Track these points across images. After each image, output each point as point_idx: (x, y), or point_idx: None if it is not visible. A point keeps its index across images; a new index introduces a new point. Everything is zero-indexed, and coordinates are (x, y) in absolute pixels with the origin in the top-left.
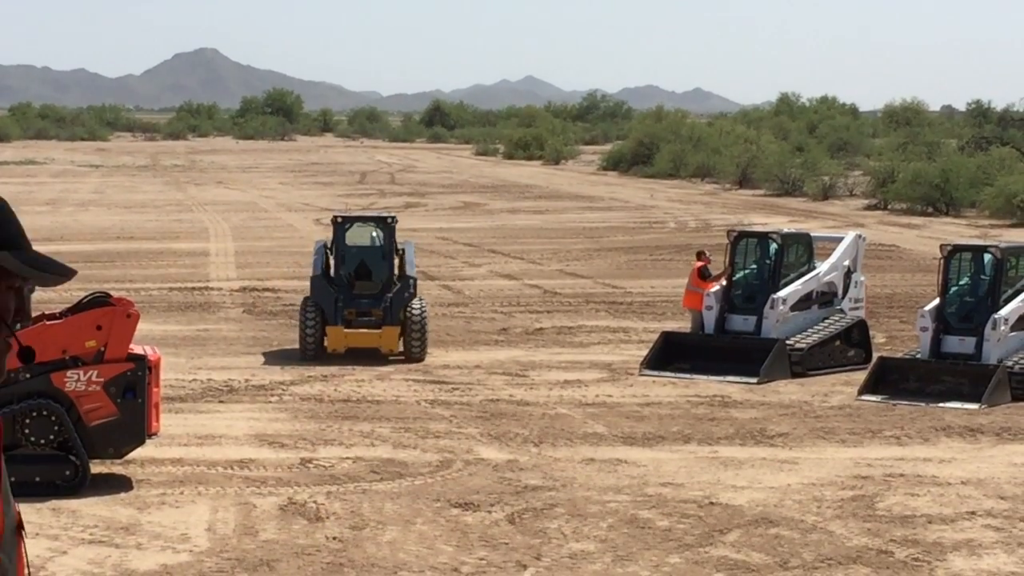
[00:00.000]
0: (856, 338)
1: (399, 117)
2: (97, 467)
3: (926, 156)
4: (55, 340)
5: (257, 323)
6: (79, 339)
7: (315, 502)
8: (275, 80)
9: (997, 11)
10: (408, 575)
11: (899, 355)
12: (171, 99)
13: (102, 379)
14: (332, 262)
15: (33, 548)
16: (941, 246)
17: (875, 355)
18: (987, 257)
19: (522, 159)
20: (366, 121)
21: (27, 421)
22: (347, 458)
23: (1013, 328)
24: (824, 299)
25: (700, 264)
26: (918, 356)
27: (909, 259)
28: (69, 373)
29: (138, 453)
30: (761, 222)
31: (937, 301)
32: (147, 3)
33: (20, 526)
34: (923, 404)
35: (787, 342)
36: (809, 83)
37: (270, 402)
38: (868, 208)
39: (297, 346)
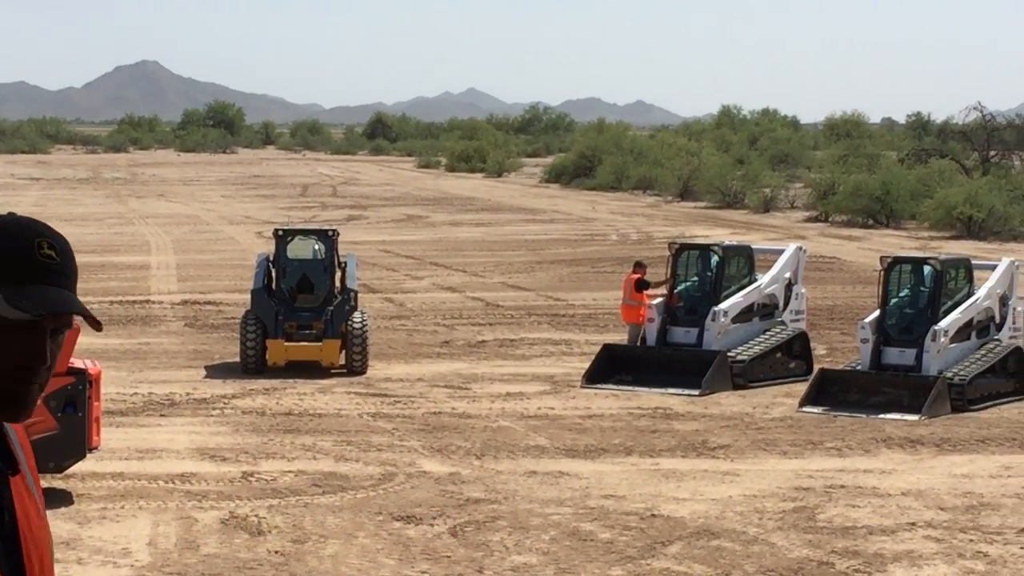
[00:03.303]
0: (797, 350)
1: (341, 129)
2: None
3: (866, 168)
4: None
5: (198, 336)
6: None
7: (257, 516)
8: (217, 93)
9: (936, 24)
10: None
11: (840, 367)
12: (112, 112)
13: (42, 393)
14: (274, 275)
15: None
16: (881, 258)
17: (816, 367)
18: (927, 269)
19: (464, 172)
20: (308, 133)
21: None
22: (289, 472)
23: (953, 340)
24: (765, 311)
25: (637, 276)
26: (858, 368)
27: (849, 271)
28: None
29: (79, 467)
30: (702, 234)
31: (877, 313)
32: (88, 16)
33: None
34: (864, 416)
35: (728, 354)
36: (750, 96)
37: (211, 416)
38: (809, 220)
39: (238, 359)
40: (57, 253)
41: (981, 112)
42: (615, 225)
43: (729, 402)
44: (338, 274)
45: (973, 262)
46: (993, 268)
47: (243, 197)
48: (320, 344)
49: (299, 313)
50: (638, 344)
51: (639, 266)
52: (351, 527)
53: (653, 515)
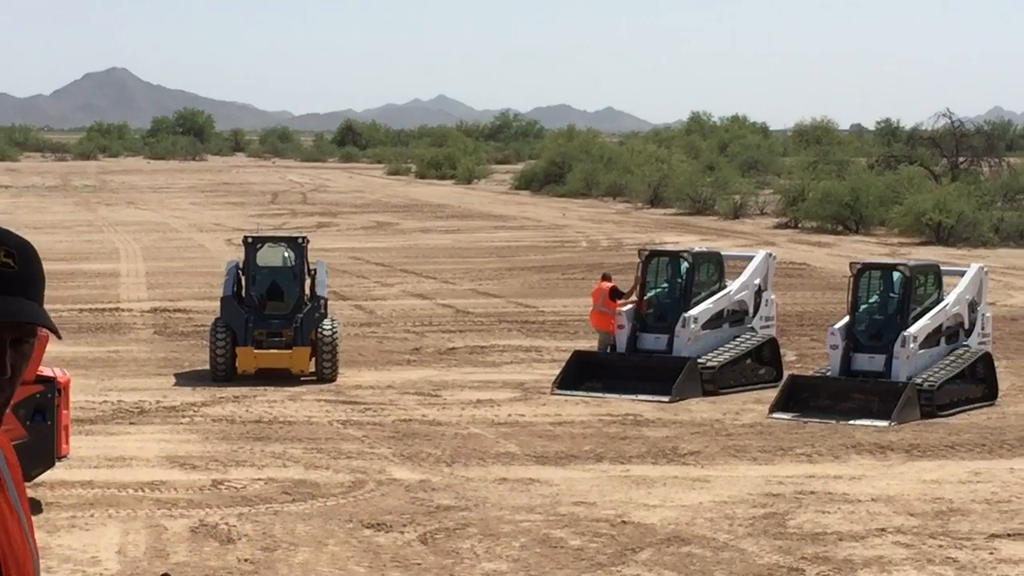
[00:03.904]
0: (767, 356)
1: (311, 137)
2: None
3: (836, 175)
4: None
5: (168, 344)
6: None
7: (227, 524)
8: (186, 100)
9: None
10: None
11: (810, 373)
12: (82, 119)
13: (8, 405)
14: (244, 283)
15: None
16: (851, 264)
17: (786, 373)
18: (896, 275)
19: (434, 178)
20: (278, 141)
21: None
22: (259, 479)
23: (922, 346)
24: (735, 317)
25: (611, 285)
26: (828, 374)
27: (819, 277)
28: None
29: (48, 476)
30: (672, 241)
31: (847, 319)
32: (57, 23)
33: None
34: (833, 421)
35: (699, 360)
36: (720, 102)
37: (181, 423)
38: (779, 226)
39: (208, 367)
40: (15, 260)
41: (950, 119)
42: (585, 232)
43: (699, 408)
44: (308, 281)
45: (942, 268)
46: (962, 274)
47: (213, 204)
48: (290, 351)
49: (269, 320)
50: (608, 351)
51: (608, 277)
52: (321, 535)
53: (623, 522)
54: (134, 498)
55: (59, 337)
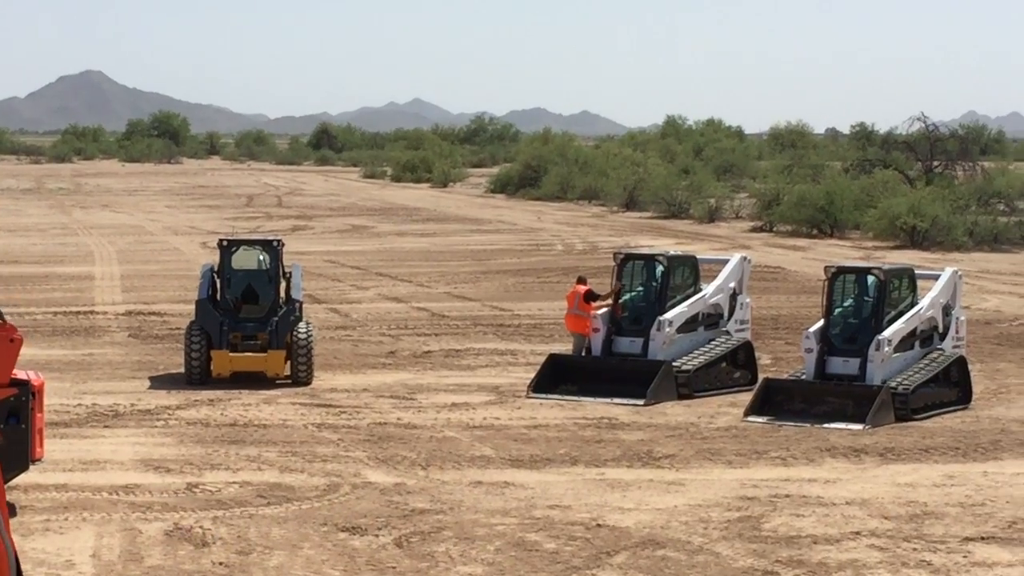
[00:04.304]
0: (742, 359)
1: (286, 140)
2: None
3: (811, 178)
4: None
5: (143, 347)
6: None
7: (201, 527)
8: (161, 103)
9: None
10: None
11: (784, 376)
12: (56, 122)
13: None
14: (219, 286)
15: None
16: (825, 268)
17: (761, 376)
18: (870, 279)
19: (410, 182)
20: (253, 144)
21: None
22: (234, 483)
23: (896, 349)
24: (710, 321)
25: (585, 288)
26: (803, 377)
27: (794, 281)
28: None
29: (22, 479)
30: (648, 244)
31: (822, 323)
32: (32, 25)
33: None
34: (808, 425)
35: (674, 364)
36: (695, 106)
37: (156, 427)
38: (754, 230)
39: (183, 370)
40: None
41: (924, 123)
42: (560, 235)
43: (674, 412)
44: (283, 284)
45: (916, 272)
46: (936, 278)
47: (188, 207)
48: (265, 355)
49: (244, 324)
50: (583, 354)
51: (583, 280)
52: (296, 538)
53: (598, 525)
54: (108, 501)
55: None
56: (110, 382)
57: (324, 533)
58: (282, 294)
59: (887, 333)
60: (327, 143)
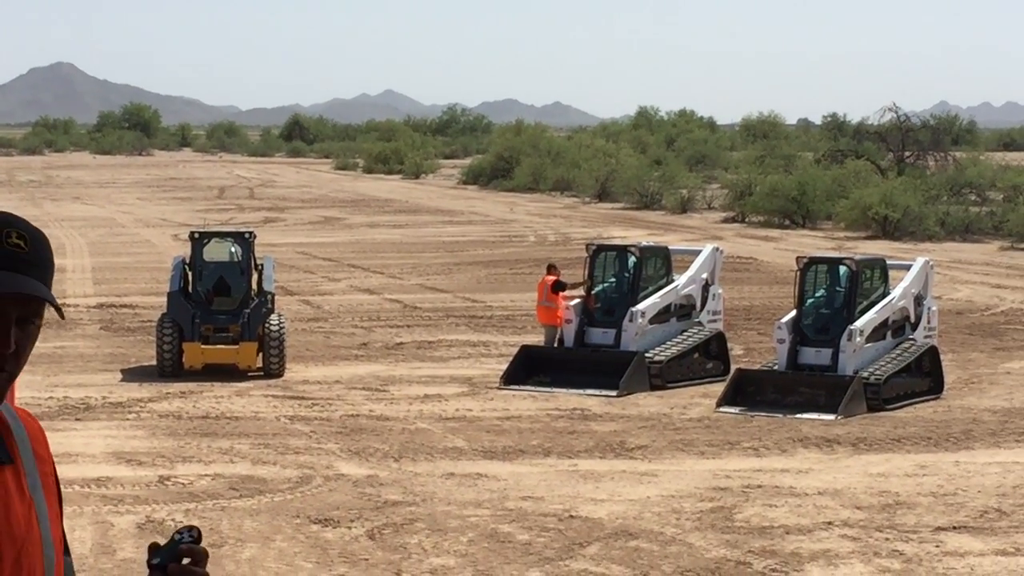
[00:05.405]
0: (714, 350)
1: (258, 131)
2: None
3: (783, 169)
4: None
5: (114, 340)
6: None
7: (173, 520)
8: (132, 95)
9: (852, 25)
10: None
11: (757, 367)
12: (27, 114)
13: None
14: (190, 278)
15: None
16: (797, 258)
17: (733, 367)
18: (842, 269)
19: (382, 173)
20: (224, 136)
21: None
22: (206, 475)
23: (868, 339)
24: (682, 312)
25: (553, 278)
26: (775, 368)
27: (766, 271)
28: None
29: None
30: (620, 235)
31: (794, 313)
32: (2, 17)
33: None
34: (780, 415)
35: (646, 355)
36: (667, 97)
37: (128, 419)
38: (726, 221)
39: (155, 363)
40: (26, 243)
41: (896, 113)
42: (533, 226)
43: (647, 403)
44: (255, 276)
45: (888, 262)
46: (908, 268)
47: (159, 200)
48: (237, 347)
49: (215, 316)
50: (555, 345)
51: (553, 268)
52: (268, 530)
53: (571, 516)
54: (80, 494)
55: (62, 317)
56: (82, 375)
57: (296, 525)
58: (254, 286)
59: (859, 323)
60: (299, 135)
